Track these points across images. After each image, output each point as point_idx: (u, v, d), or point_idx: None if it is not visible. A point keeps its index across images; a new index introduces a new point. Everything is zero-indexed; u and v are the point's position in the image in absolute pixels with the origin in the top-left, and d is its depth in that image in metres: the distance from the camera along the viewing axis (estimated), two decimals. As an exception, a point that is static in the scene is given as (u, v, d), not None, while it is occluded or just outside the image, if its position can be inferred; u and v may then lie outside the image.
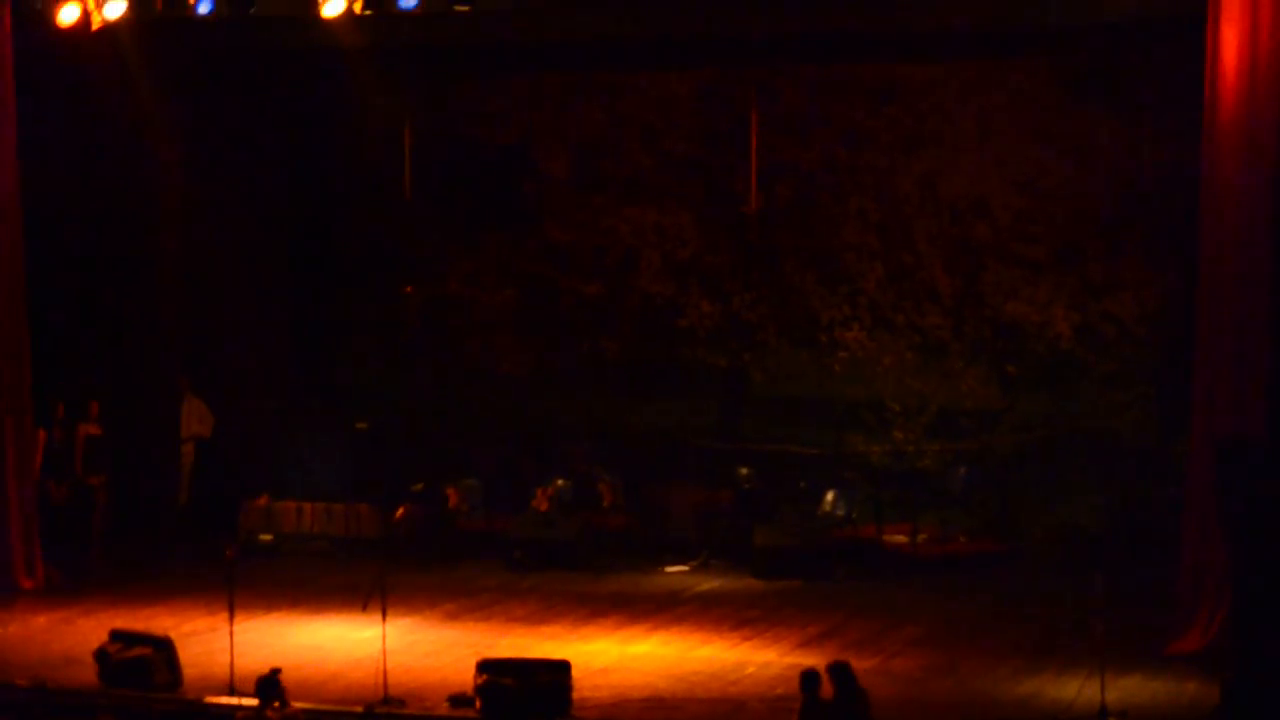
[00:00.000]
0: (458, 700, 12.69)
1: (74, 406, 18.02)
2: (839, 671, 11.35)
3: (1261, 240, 14.35)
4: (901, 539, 18.27)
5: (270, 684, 11.48)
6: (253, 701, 11.62)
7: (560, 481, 19.49)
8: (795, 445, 20.70)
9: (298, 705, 11.74)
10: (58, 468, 17.79)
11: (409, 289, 22.07)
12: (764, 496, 18.86)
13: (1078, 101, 20.13)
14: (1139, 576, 16.23)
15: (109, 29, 17.06)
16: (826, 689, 11.27)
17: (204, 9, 16.81)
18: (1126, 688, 13.04)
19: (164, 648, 13.32)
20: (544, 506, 18.91)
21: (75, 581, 17.08)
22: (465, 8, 16.69)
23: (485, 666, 12.56)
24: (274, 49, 18.52)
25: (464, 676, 12.82)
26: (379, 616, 13.26)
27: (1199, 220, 14.74)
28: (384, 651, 12.96)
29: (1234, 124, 14.34)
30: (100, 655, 13.32)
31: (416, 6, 16.62)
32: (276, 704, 11.44)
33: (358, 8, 16.66)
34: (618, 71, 21.37)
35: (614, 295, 21.81)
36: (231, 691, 12.68)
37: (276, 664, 11.98)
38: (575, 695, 12.56)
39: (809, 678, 11.22)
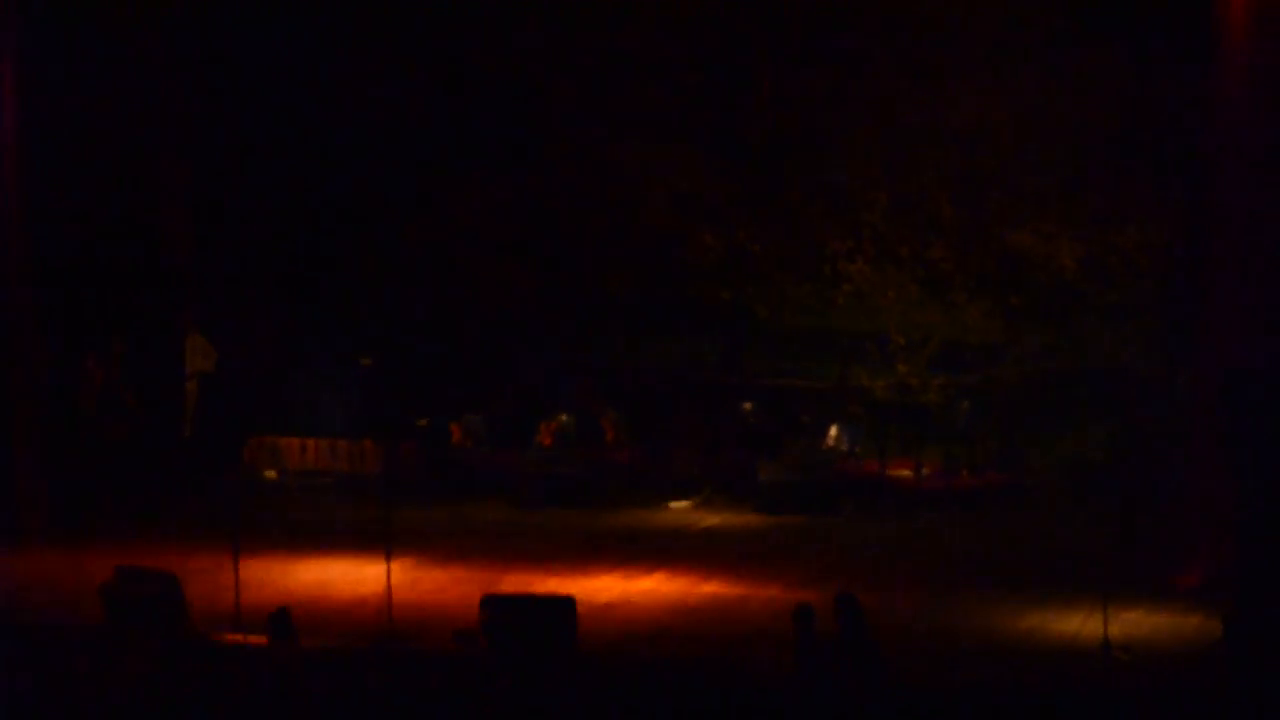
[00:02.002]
0: (463, 636, 12.72)
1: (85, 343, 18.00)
2: (845, 603, 11.37)
3: (1269, 169, 14.25)
4: (905, 473, 18.27)
5: (281, 620, 11.51)
6: (261, 639, 11.65)
7: (564, 417, 19.47)
8: (799, 380, 20.67)
9: (303, 640, 11.78)
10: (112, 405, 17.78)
11: (413, 227, 21.99)
12: (768, 431, 18.85)
13: (1084, 30, 19.96)
14: (1143, 509, 16.24)
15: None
16: (825, 622, 11.29)
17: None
18: (1130, 621, 13.06)
19: (170, 584, 13.34)
20: (548, 442, 18.92)
21: (82, 518, 17.09)
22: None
23: (490, 602, 12.58)
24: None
25: (469, 612, 12.84)
26: (383, 553, 13.28)
27: (1206, 151, 14.63)
28: (389, 588, 12.99)
29: (1242, 51, 14.21)
30: (107, 591, 13.35)
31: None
32: (287, 639, 11.46)
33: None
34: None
35: (618, 229, 21.72)
36: (237, 627, 12.71)
37: (282, 600, 12.01)
38: (580, 631, 12.58)
39: (802, 613, 11.24)
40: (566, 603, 12.66)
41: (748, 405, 19.76)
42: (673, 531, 16.87)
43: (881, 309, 20.59)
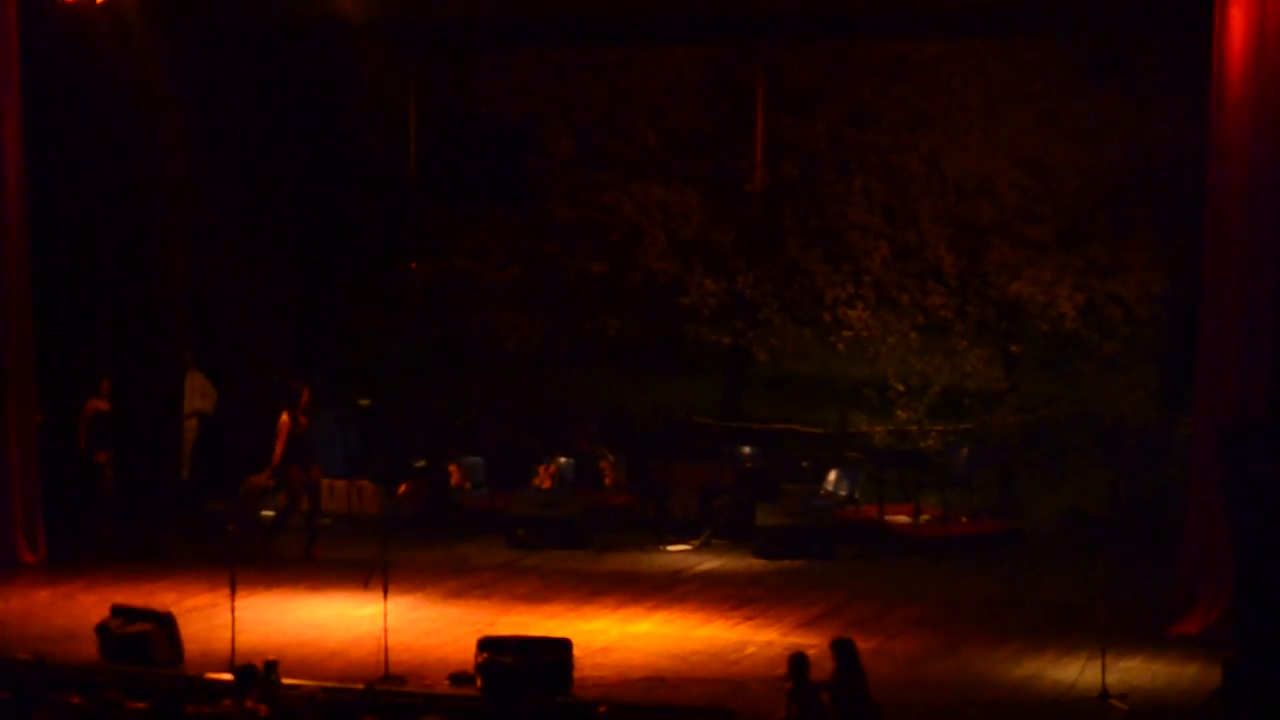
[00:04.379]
0: (459, 678, 12.69)
1: (81, 381, 17.99)
2: (842, 648, 11.36)
3: (1268, 223, 14.30)
4: (904, 519, 18.26)
5: (249, 675, 11.36)
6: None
7: (562, 459, 19.49)
8: (798, 424, 20.69)
9: (298, 682, 11.73)
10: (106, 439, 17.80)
11: (413, 265, 22.04)
12: (766, 475, 18.85)
13: (1085, 80, 20.06)
14: (1141, 558, 16.22)
15: (113, 1, 17.04)
16: (819, 670, 11.26)
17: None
18: (1128, 670, 13.03)
19: (165, 623, 13.32)
20: (546, 484, 18.91)
21: (78, 556, 17.05)
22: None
23: (486, 644, 12.55)
24: (278, 21, 18.50)
25: (465, 654, 12.82)
26: (380, 594, 13.26)
27: (1205, 201, 14.69)
28: (385, 629, 12.96)
29: (1241, 105, 14.28)
30: (101, 630, 13.34)
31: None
32: (254, 696, 11.27)
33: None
34: (624, 47, 21.32)
35: (618, 273, 21.78)
36: (232, 668, 12.64)
37: (277, 641, 11.94)
38: (576, 674, 12.55)
39: (797, 661, 11.22)
40: (563, 645, 12.64)
41: (747, 449, 19.76)
42: (670, 574, 16.85)
43: (881, 355, 20.62)
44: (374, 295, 22.80)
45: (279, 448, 17.06)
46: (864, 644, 12.17)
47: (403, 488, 19.14)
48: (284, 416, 17.09)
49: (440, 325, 22.22)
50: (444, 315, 22.20)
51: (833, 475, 18.93)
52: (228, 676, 12.34)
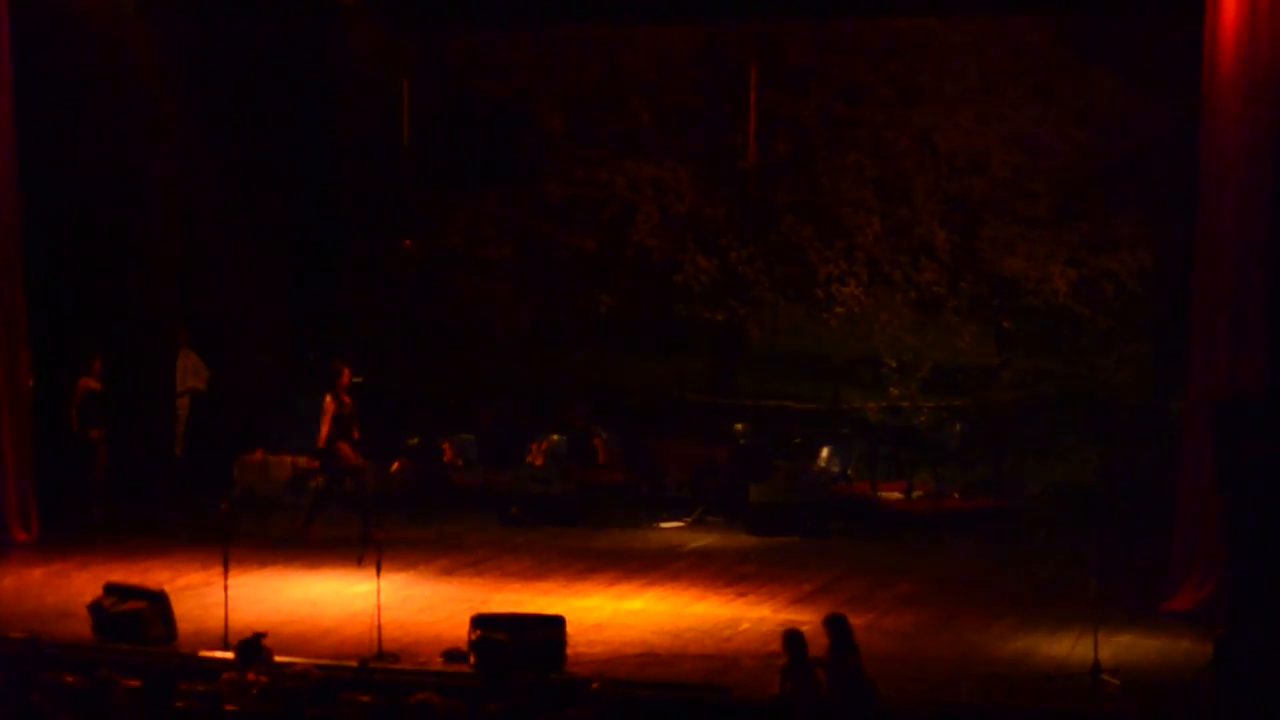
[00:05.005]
0: (452, 655, 12.71)
1: (74, 360, 17.98)
2: (836, 625, 11.38)
3: (1260, 198, 14.31)
4: (896, 495, 18.28)
5: (252, 647, 11.37)
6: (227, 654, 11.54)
7: (556, 437, 19.49)
8: (791, 401, 20.70)
9: (291, 659, 11.74)
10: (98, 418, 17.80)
11: (407, 243, 22.03)
12: (759, 452, 18.86)
13: (1079, 58, 20.05)
14: (1133, 534, 16.26)
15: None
16: (813, 646, 11.29)
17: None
18: (1120, 645, 13.06)
19: (159, 602, 13.33)
20: (539, 462, 18.93)
21: (71, 535, 17.06)
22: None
23: (479, 622, 12.57)
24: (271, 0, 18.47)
25: (458, 632, 12.85)
26: (373, 571, 13.28)
27: (1198, 177, 14.70)
28: (378, 606, 12.96)
29: (1233, 83, 14.28)
30: (95, 609, 13.34)
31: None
32: (256, 669, 11.28)
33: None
34: (617, 25, 21.29)
35: (610, 250, 21.78)
36: (225, 646, 12.67)
37: (271, 619, 11.96)
38: (569, 651, 12.57)
39: (793, 638, 11.24)
40: (556, 622, 12.66)
41: (739, 426, 19.77)
42: (663, 551, 16.87)
43: (874, 331, 20.64)
44: (367, 273, 22.77)
45: (324, 430, 17.05)
46: (857, 620, 12.20)
47: (396, 465, 19.14)
48: (328, 398, 17.08)
49: (433, 303, 22.21)
50: (437, 293, 22.19)
51: (825, 452, 18.95)
52: (222, 654, 12.37)
